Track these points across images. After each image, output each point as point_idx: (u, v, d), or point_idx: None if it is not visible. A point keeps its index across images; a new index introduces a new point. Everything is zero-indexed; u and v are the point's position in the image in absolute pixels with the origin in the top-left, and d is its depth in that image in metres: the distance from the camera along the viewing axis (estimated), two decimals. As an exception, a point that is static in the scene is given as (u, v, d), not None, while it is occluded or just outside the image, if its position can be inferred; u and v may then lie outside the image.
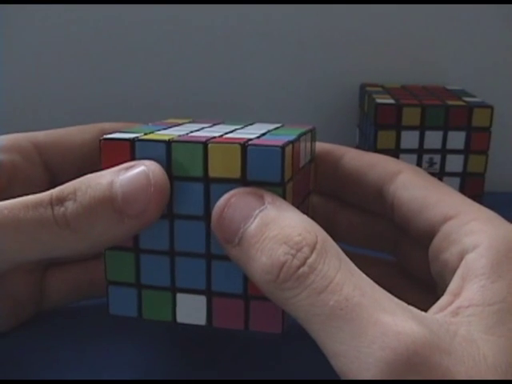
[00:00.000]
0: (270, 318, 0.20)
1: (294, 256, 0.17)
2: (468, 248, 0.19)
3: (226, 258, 0.19)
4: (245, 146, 0.19)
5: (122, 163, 0.20)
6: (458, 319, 0.17)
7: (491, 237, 0.19)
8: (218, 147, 0.19)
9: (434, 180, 0.22)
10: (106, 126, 0.26)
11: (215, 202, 0.19)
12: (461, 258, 0.19)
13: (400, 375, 0.15)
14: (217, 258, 0.20)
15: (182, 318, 0.20)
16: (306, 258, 0.17)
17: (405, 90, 0.41)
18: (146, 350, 0.25)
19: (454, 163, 0.37)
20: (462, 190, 0.38)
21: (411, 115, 0.36)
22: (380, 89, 0.41)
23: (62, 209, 0.19)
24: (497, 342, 0.16)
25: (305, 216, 0.18)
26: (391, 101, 0.37)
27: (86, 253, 0.21)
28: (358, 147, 0.41)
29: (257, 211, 0.18)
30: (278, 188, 0.19)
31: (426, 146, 0.37)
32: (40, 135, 0.26)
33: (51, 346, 0.25)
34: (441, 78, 0.44)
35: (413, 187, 0.22)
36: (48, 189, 0.20)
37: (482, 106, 0.37)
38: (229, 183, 0.19)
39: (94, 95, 0.43)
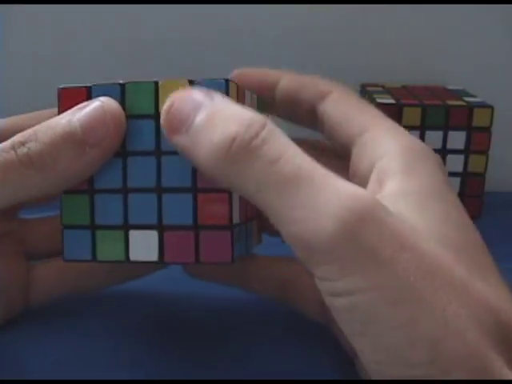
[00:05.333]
0: (221, 247, 0.20)
1: (245, 131, 0.18)
2: (378, 156, 0.21)
3: (176, 189, 0.20)
4: (192, 81, 0.20)
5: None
6: (392, 198, 0.19)
7: (399, 144, 0.21)
8: (167, 84, 0.20)
9: (360, 99, 0.24)
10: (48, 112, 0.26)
11: (165, 138, 0.20)
12: (373, 166, 0.21)
13: (354, 232, 0.16)
14: (167, 191, 0.20)
15: (134, 255, 0.21)
16: (258, 133, 0.18)
17: (405, 89, 0.41)
18: (145, 350, 0.25)
19: (455, 163, 0.37)
20: (462, 189, 0.38)
21: (411, 115, 0.36)
22: (380, 89, 0.41)
23: (25, 149, 0.20)
24: (426, 218, 0.18)
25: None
26: (391, 101, 0.37)
27: (53, 192, 0.22)
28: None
29: (206, 102, 0.19)
30: None
31: (426, 146, 0.37)
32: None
33: (50, 345, 0.25)
34: (441, 77, 0.44)
35: (339, 104, 0.24)
36: None
37: (483, 106, 0.37)
38: None
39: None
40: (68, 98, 0.21)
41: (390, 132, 0.22)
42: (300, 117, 0.26)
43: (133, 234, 0.21)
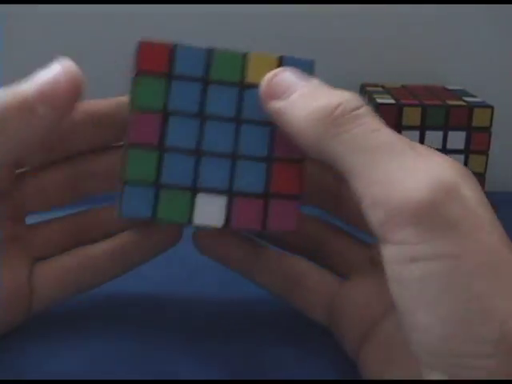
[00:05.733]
0: (287, 216, 0.21)
1: (348, 102, 0.19)
2: None
3: (251, 158, 0.20)
4: (281, 56, 0.21)
5: (157, 68, 0.20)
6: None
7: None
8: (257, 56, 0.21)
9: None
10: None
11: (247, 106, 0.20)
12: None
13: (443, 201, 0.17)
14: (242, 158, 0.20)
15: (198, 219, 0.20)
16: (359, 106, 0.19)
17: (405, 89, 0.41)
18: (145, 350, 0.25)
19: (455, 163, 0.37)
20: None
21: (411, 115, 0.36)
22: (380, 89, 0.41)
23: None
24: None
25: None
26: (391, 101, 0.37)
27: (9, 156, 0.21)
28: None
29: (308, 80, 0.20)
30: None
31: (426, 146, 0.37)
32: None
33: (49, 345, 0.25)
34: (441, 77, 0.44)
35: None
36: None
37: (483, 105, 0.37)
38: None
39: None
40: (148, 54, 0.21)
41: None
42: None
43: (201, 197, 0.20)
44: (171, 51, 0.21)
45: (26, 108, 0.20)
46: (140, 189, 0.20)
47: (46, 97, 0.20)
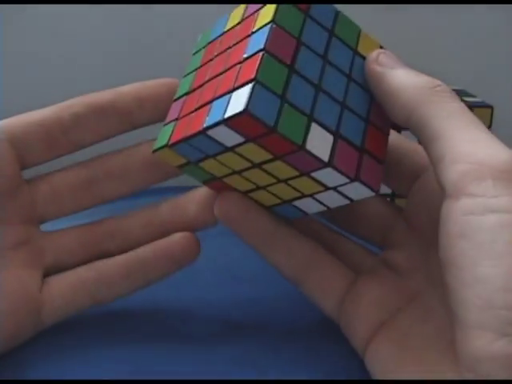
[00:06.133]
0: (374, 175, 0.22)
1: (450, 88, 0.21)
2: None
3: (355, 113, 0.22)
4: (382, 46, 0.24)
5: (298, 3, 0.23)
6: None
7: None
8: (367, 37, 0.24)
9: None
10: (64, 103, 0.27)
11: (356, 70, 0.23)
12: None
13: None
14: (348, 109, 0.22)
15: (310, 145, 0.21)
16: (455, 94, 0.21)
17: (405, 89, 0.41)
18: (145, 349, 0.25)
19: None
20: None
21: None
22: (380, 89, 0.41)
23: None
24: None
25: None
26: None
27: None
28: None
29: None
30: None
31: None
32: None
33: (49, 345, 0.25)
34: (440, 77, 0.44)
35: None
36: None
37: (482, 105, 0.37)
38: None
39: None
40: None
41: None
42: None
43: (314, 126, 0.21)
44: (307, 9, 0.23)
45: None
46: (269, 94, 0.21)
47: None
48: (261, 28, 0.22)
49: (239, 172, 0.23)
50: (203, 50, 0.25)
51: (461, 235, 0.18)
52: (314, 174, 0.22)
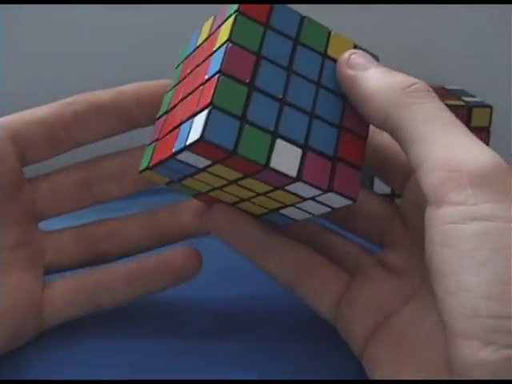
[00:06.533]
0: (350, 183, 0.22)
1: (422, 83, 0.21)
2: None
3: (326, 121, 0.22)
4: (356, 45, 0.24)
5: (256, 16, 0.22)
6: None
7: None
8: (338, 36, 0.23)
9: None
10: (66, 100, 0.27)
11: (326, 75, 0.22)
12: None
13: (505, 169, 0.18)
14: (318, 118, 0.22)
15: (275, 163, 0.21)
16: (431, 90, 0.21)
17: (404, 89, 0.41)
18: (145, 349, 0.25)
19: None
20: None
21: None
22: (379, 88, 0.41)
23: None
24: None
25: None
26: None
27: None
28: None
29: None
30: None
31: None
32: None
33: (49, 345, 0.25)
34: (440, 77, 0.44)
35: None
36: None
37: (482, 105, 0.37)
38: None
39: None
40: (250, 3, 0.22)
41: None
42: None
43: (279, 143, 0.21)
44: (271, 7, 0.22)
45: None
46: (226, 117, 0.20)
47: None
48: (220, 47, 0.21)
49: (220, 188, 0.23)
50: (181, 65, 0.26)
51: (443, 243, 0.18)
52: (288, 188, 0.21)
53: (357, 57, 0.22)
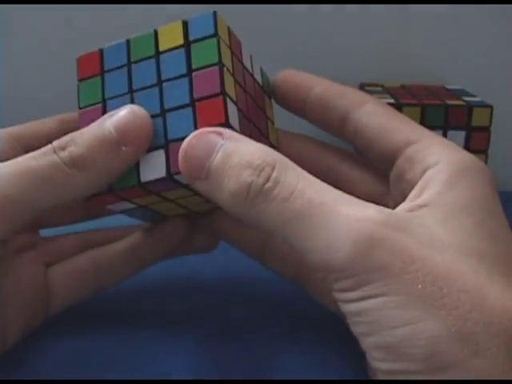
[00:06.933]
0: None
1: (258, 176, 0.19)
2: (430, 165, 0.22)
3: (177, 108, 0.22)
4: (185, 21, 0.23)
5: (92, 73, 0.24)
6: (414, 213, 0.20)
7: (449, 156, 0.22)
8: (164, 27, 0.23)
9: (396, 111, 0.25)
10: (65, 116, 0.28)
11: (166, 67, 0.23)
12: (423, 174, 0.22)
13: (365, 251, 0.18)
14: (171, 111, 0.22)
15: (145, 177, 0.22)
16: (269, 176, 0.19)
17: (404, 89, 0.41)
18: (145, 349, 0.25)
19: (454, 163, 0.37)
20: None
21: (411, 115, 0.36)
22: (379, 88, 0.41)
23: (66, 153, 0.22)
24: (450, 230, 0.20)
25: (260, 144, 0.21)
26: (391, 100, 0.37)
27: (93, 190, 0.23)
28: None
29: (218, 146, 0.20)
30: (213, 39, 0.22)
31: (425, 146, 0.37)
32: (11, 128, 0.27)
33: (49, 345, 0.25)
34: (440, 77, 0.44)
35: (376, 115, 0.24)
36: None
37: (482, 105, 0.37)
38: (176, 49, 0.23)
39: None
40: (84, 64, 0.24)
41: (439, 144, 0.23)
42: (330, 125, 0.26)
43: (142, 158, 0.22)
44: (100, 54, 0.24)
45: (111, 147, 0.22)
46: None
47: (127, 138, 0.22)
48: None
49: (175, 208, 0.25)
50: None
51: (344, 315, 0.20)
52: (186, 183, 0.22)
53: (191, 160, 0.21)
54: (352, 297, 0.19)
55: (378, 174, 0.26)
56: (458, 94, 0.40)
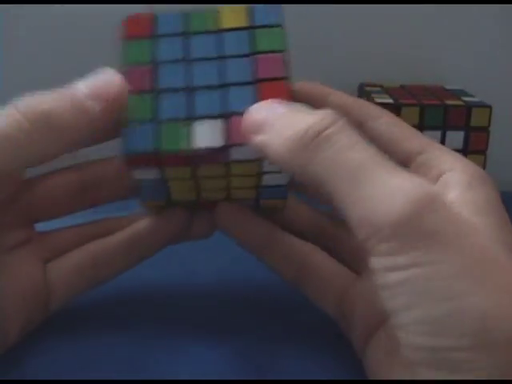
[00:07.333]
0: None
1: (321, 120, 0.19)
2: (445, 170, 0.22)
3: (238, 83, 0.23)
4: (249, 6, 0.24)
5: (142, 33, 0.23)
6: None
7: (461, 164, 0.22)
8: (227, 7, 0.24)
9: (409, 126, 0.26)
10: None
11: (227, 45, 0.23)
12: (438, 179, 0.22)
13: (421, 214, 0.17)
14: (231, 86, 0.23)
15: (199, 143, 0.22)
16: (334, 122, 0.19)
17: (403, 89, 0.41)
18: (145, 350, 0.25)
19: (453, 163, 0.37)
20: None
21: (410, 115, 0.36)
22: (379, 88, 0.41)
23: (30, 109, 0.21)
24: (480, 223, 0.20)
25: None
26: (390, 100, 0.37)
27: (60, 151, 0.22)
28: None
29: (281, 108, 0.21)
30: (279, 28, 0.24)
31: (424, 146, 0.37)
32: None
33: (50, 345, 0.25)
34: (439, 77, 0.44)
35: (392, 125, 0.25)
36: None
37: (481, 105, 0.37)
38: (239, 30, 0.24)
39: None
40: (134, 22, 0.24)
41: (450, 154, 0.23)
42: None
43: (198, 124, 0.22)
44: (152, 19, 0.24)
45: (78, 106, 0.21)
46: (141, 127, 0.22)
47: (98, 96, 0.21)
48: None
49: (199, 188, 0.24)
50: None
51: (380, 287, 0.18)
52: (234, 158, 0.22)
53: (255, 118, 0.21)
54: (399, 262, 0.18)
55: None
56: (457, 94, 0.40)
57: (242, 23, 0.24)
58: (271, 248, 0.26)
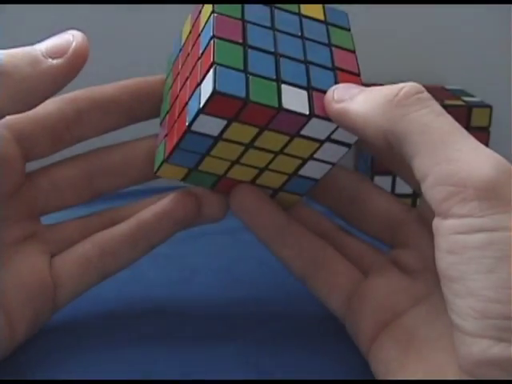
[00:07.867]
0: None
1: (410, 86, 0.20)
2: None
3: (320, 65, 0.23)
4: (325, 6, 0.26)
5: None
6: None
7: None
8: (307, 5, 0.25)
9: None
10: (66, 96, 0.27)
11: (308, 31, 0.24)
12: None
13: (507, 179, 0.18)
14: (313, 64, 0.23)
15: (287, 104, 0.22)
16: (424, 90, 0.20)
17: (404, 89, 0.41)
18: (145, 350, 0.25)
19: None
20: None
21: (410, 115, 0.36)
22: (379, 88, 0.41)
23: None
24: None
25: None
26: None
27: (16, 104, 0.21)
28: (357, 146, 0.41)
29: (362, 88, 0.22)
30: (349, 32, 0.26)
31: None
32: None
33: (50, 346, 0.25)
34: (440, 77, 0.44)
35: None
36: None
37: (481, 105, 0.37)
38: (317, 21, 0.25)
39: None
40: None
41: None
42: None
43: (285, 87, 0.22)
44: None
45: (34, 55, 0.21)
46: (231, 71, 0.22)
47: (55, 50, 0.21)
48: (206, 23, 0.23)
49: (237, 161, 0.24)
50: (171, 72, 0.27)
51: (450, 251, 0.18)
52: (303, 133, 0.22)
53: (339, 90, 0.22)
54: (483, 224, 0.18)
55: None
56: (457, 94, 0.40)
57: (320, 16, 0.25)
58: (285, 238, 0.25)
